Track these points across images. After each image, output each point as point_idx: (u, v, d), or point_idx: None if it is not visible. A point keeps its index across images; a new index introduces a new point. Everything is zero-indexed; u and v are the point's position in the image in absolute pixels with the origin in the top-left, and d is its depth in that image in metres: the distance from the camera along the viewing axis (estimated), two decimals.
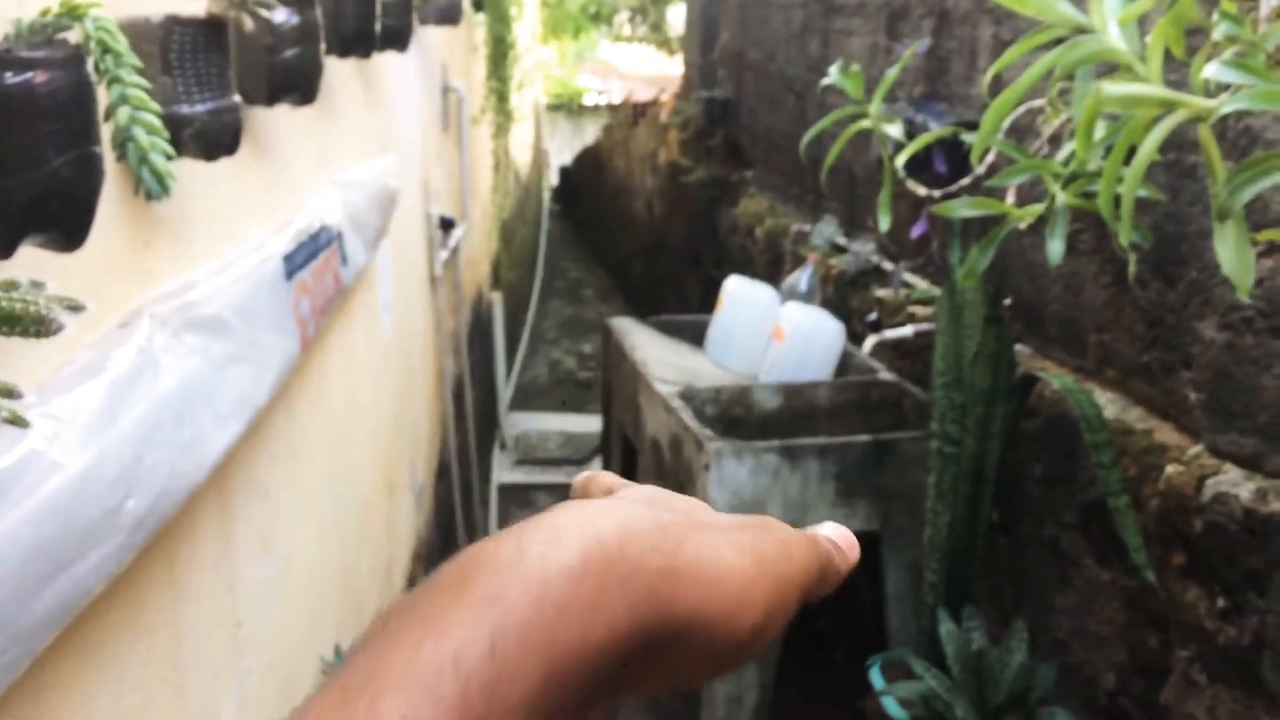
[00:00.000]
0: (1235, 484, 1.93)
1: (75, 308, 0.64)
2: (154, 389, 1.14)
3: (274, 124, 1.73)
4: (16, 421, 0.65)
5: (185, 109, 1.22)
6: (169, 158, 0.97)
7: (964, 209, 2.23)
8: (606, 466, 3.69)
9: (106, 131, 1.00)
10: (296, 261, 1.68)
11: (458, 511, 3.54)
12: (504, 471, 4.57)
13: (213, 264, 1.42)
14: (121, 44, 0.93)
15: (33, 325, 0.62)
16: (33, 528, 0.88)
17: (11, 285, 0.63)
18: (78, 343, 1.06)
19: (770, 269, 4.41)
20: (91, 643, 1.10)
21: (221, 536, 1.50)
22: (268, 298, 1.53)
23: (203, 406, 1.25)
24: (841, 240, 3.69)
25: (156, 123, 0.96)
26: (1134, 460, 2.15)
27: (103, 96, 1.02)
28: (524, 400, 5.90)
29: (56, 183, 0.89)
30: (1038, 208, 2.12)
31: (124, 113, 0.93)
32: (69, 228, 0.89)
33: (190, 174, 1.32)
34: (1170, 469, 2.07)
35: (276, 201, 1.75)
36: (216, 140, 1.24)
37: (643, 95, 7.89)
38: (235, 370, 1.37)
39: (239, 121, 1.31)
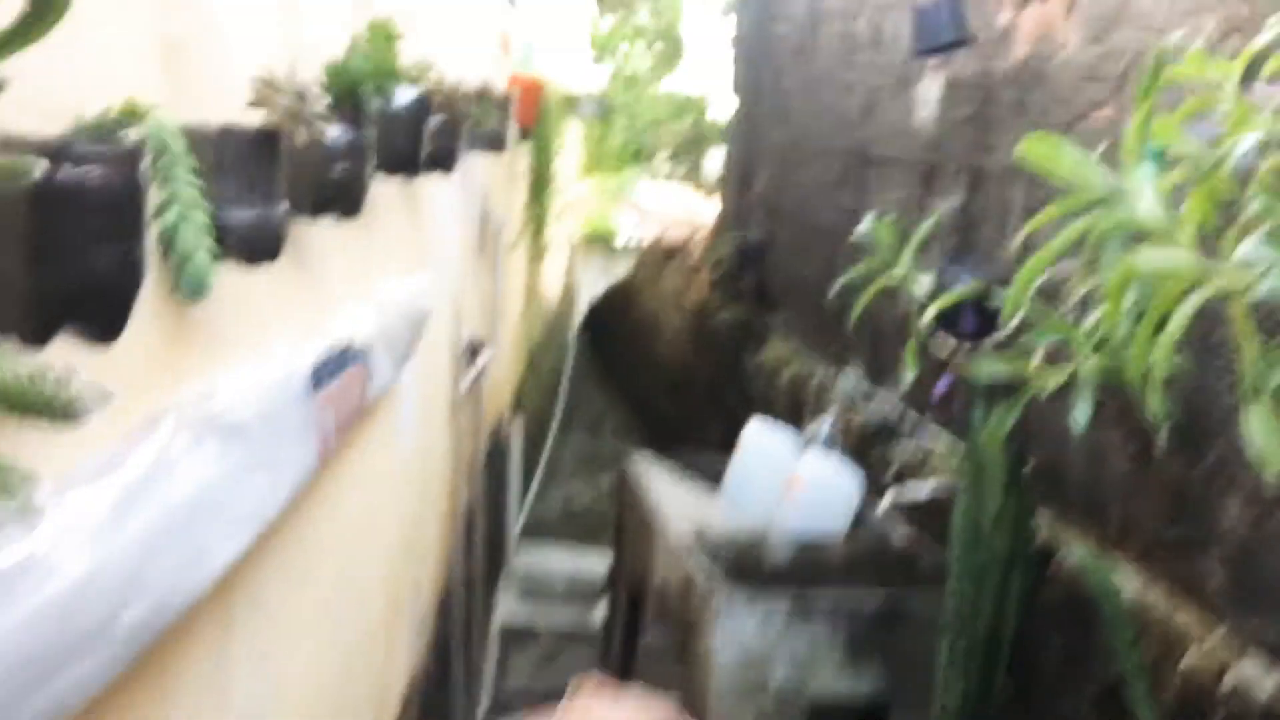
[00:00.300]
0: (1255, 679, 1.86)
1: (104, 397, 0.64)
2: (167, 494, 1.13)
3: (315, 236, 1.76)
4: (27, 510, 0.64)
5: (233, 214, 1.25)
6: (215, 258, 0.98)
7: (989, 368, 2.23)
8: (611, 612, 3.62)
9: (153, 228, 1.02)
10: (324, 374, 1.69)
11: (457, 645, 3.47)
12: (509, 604, 4.50)
13: (240, 370, 1.43)
14: (179, 145, 0.95)
15: (61, 410, 0.61)
16: (25, 634, 0.85)
17: (42, 373, 0.63)
18: (97, 439, 1.06)
19: (791, 413, 4.40)
20: None
21: (218, 652, 1.47)
22: (292, 408, 1.53)
23: (214, 516, 1.24)
24: (864, 392, 3.69)
25: (204, 224, 0.97)
26: (1155, 640, 2.09)
27: (154, 196, 1.04)
28: (536, 531, 5.84)
29: (98, 278, 0.90)
30: (1063, 372, 2.12)
31: (173, 212, 0.95)
32: (106, 321, 0.89)
33: (227, 279, 1.34)
34: (1191, 656, 2.01)
35: (309, 313, 1.77)
36: (260, 247, 1.26)
37: (676, 234, 8.02)
38: (251, 480, 1.36)
39: (283, 231, 1.34)
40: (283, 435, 1.48)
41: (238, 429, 1.32)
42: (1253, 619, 1.92)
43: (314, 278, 1.80)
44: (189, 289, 1.00)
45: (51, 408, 0.62)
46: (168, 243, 0.99)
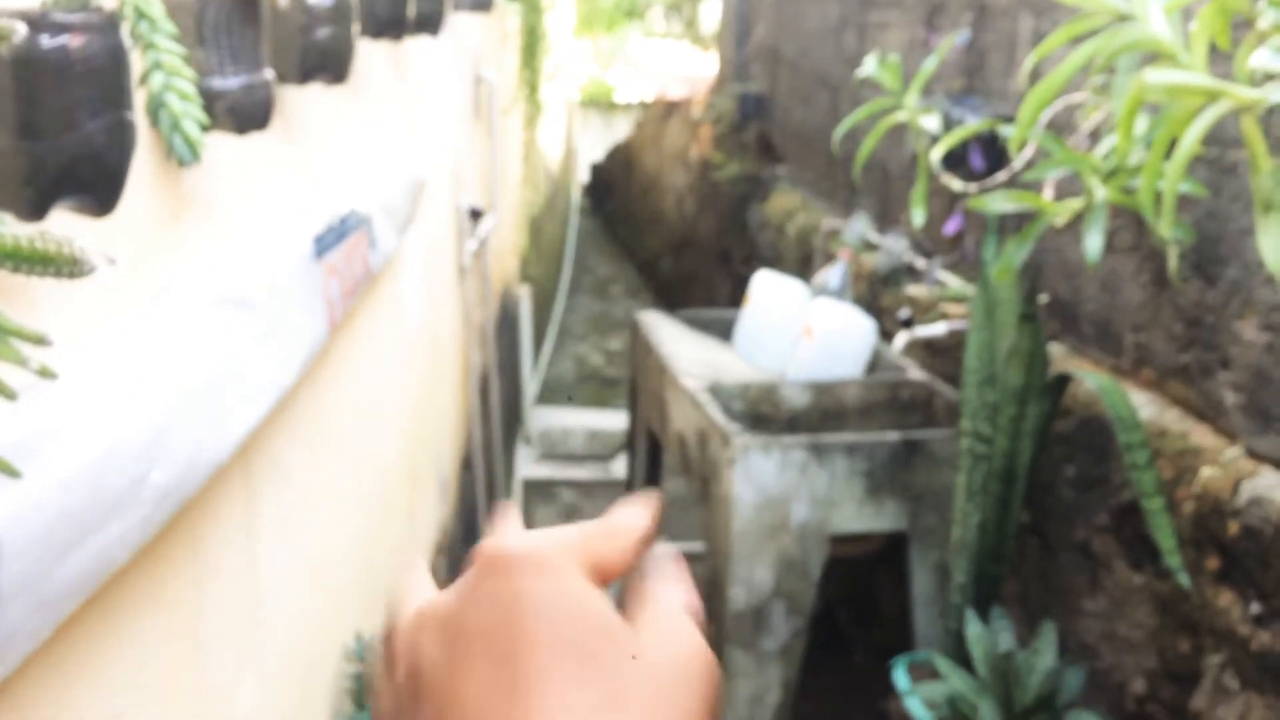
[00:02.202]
0: (1273, 487, 1.89)
1: (108, 258, 0.63)
2: (182, 363, 1.13)
3: (306, 104, 1.72)
4: (45, 374, 0.64)
5: (218, 83, 1.22)
6: (202, 126, 0.96)
7: (1000, 203, 2.20)
8: (631, 462, 3.68)
9: (140, 98, 0.99)
10: (326, 243, 1.67)
11: (481, 505, 3.54)
12: (528, 467, 4.56)
13: (243, 241, 1.41)
14: (157, 10, 0.92)
15: (66, 266, 0.61)
16: (59, 494, 0.87)
17: (44, 234, 0.62)
18: (107, 311, 1.06)
19: (801, 266, 4.39)
20: (113, 615, 1.09)
21: (245, 516, 1.50)
22: (297, 278, 1.53)
23: (229, 384, 1.25)
24: (874, 237, 3.66)
25: (190, 89, 0.95)
26: (1169, 462, 2.12)
27: (137, 64, 1.01)
28: (550, 396, 5.90)
29: (89, 147, 0.88)
30: (1076, 203, 2.09)
31: (158, 79, 0.92)
32: (101, 193, 0.88)
33: (222, 149, 1.31)
34: (1206, 471, 2.03)
35: (307, 182, 1.75)
36: (249, 115, 1.23)
37: (675, 92, 7.87)
38: (262, 349, 1.37)
39: (271, 97, 1.31)
40: (290, 304, 1.48)
41: (244, 299, 1.31)
42: (1268, 436, 1.94)
43: (307, 146, 1.77)
44: (181, 155, 0.98)
45: (57, 263, 0.61)
46: (155, 110, 0.97)
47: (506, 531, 0.39)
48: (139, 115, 1.02)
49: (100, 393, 0.96)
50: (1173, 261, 1.88)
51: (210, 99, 1.20)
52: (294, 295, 1.50)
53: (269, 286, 1.40)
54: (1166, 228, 1.75)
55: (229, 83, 1.24)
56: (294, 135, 1.67)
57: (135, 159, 0.97)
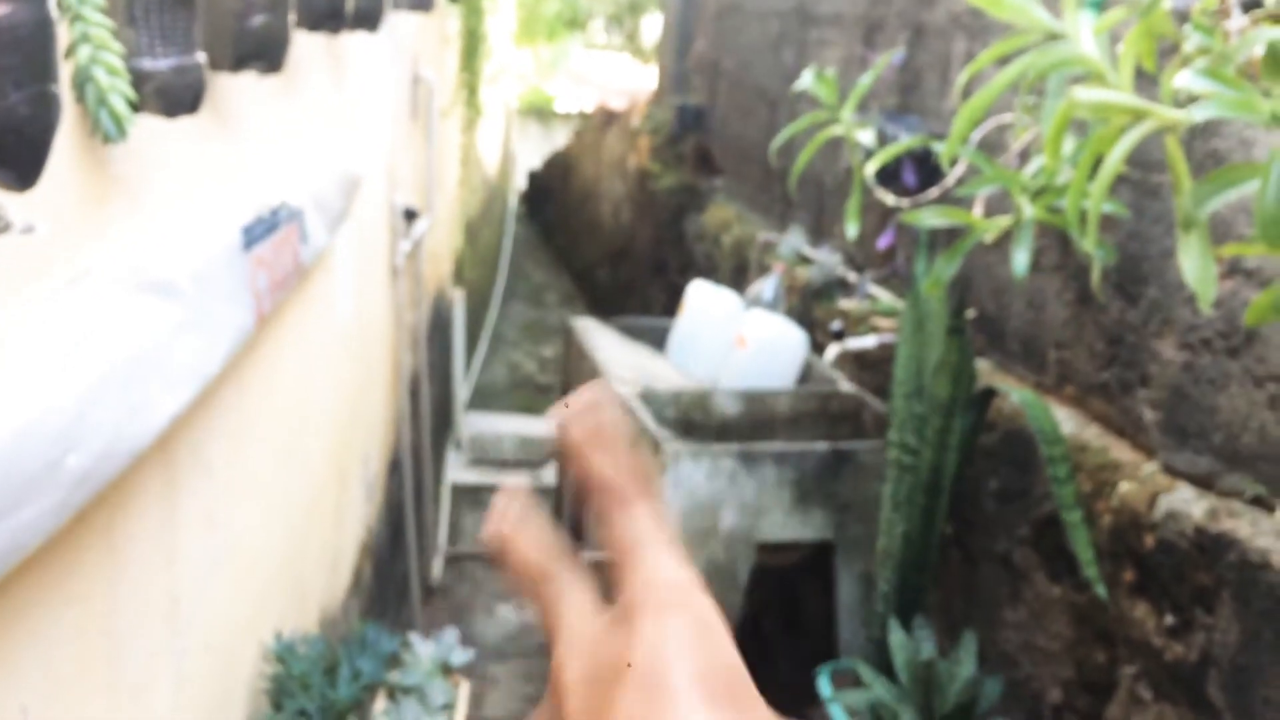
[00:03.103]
0: (1188, 502, 1.94)
1: (26, 227, 0.61)
2: (101, 347, 1.10)
3: (238, 92, 1.70)
4: None
5: (148, 63, 1.19)
6: (130, 103, 0.94)
7: (931, 219, 2.23)
8: (560, 471, 3.66)
9: (66, 72, 0.97)
10: (255, 234, 1.65)
11: (409, 508, 3.50)
12: (458, 471, 4.53)
13: (169, 228, 1.38)
14: None
15: None
16: None
17: None
18: (22, 292, 1.03)
19: (736, 277, 4.41)
20: (21, 605, 1.06)
21: (164, 509, 1.46)
22: (223, 267, 1.50)
23: (151, 371, 1.22)
24: (808, 250, 3.69)
25: (117, 64, 0.93)
26: (1089, 476, 2.16)
27: (64, 36, 0.99)
28: (481, 402, 5.86)
29: (11, 119, 0.86)
30: (1005, 220, 2.13)
31: (84, 52, 0.90)
32: (22, 166, 0.85)
33: (150, 132, 1.29)
34: (1124, 486, 2.08)
35: (237, 171, 1.72)
36: (178, 98, 1.21)
37: (615, 103, 7.89)
38: (186, 338, 1.34)
39: (202, 81, 1.28)
40: (216, 294, 1.45)
41: (168, 285, 1.29)
42: (1184, 453, 1.99)
43: (240, 136, 1.74)
44: (107, 130, 0.96)
45: None
46: (82, 83, 0.94)
47: (662, 563, 0.42)
48: (65, 90, 1.00)
49: (12, 373, 0.93)
50: (1095, 277, 1.92)
51: (139, 79, 1.17)
52: (220, 285, 1.47)
53: (194, 274, 1.38)
54: (1090, 244, 1.79)
55: (159, 64, 1.21)
56: (225, 123, 1.64)
57: (60, 135, 0.95)
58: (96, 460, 1.05)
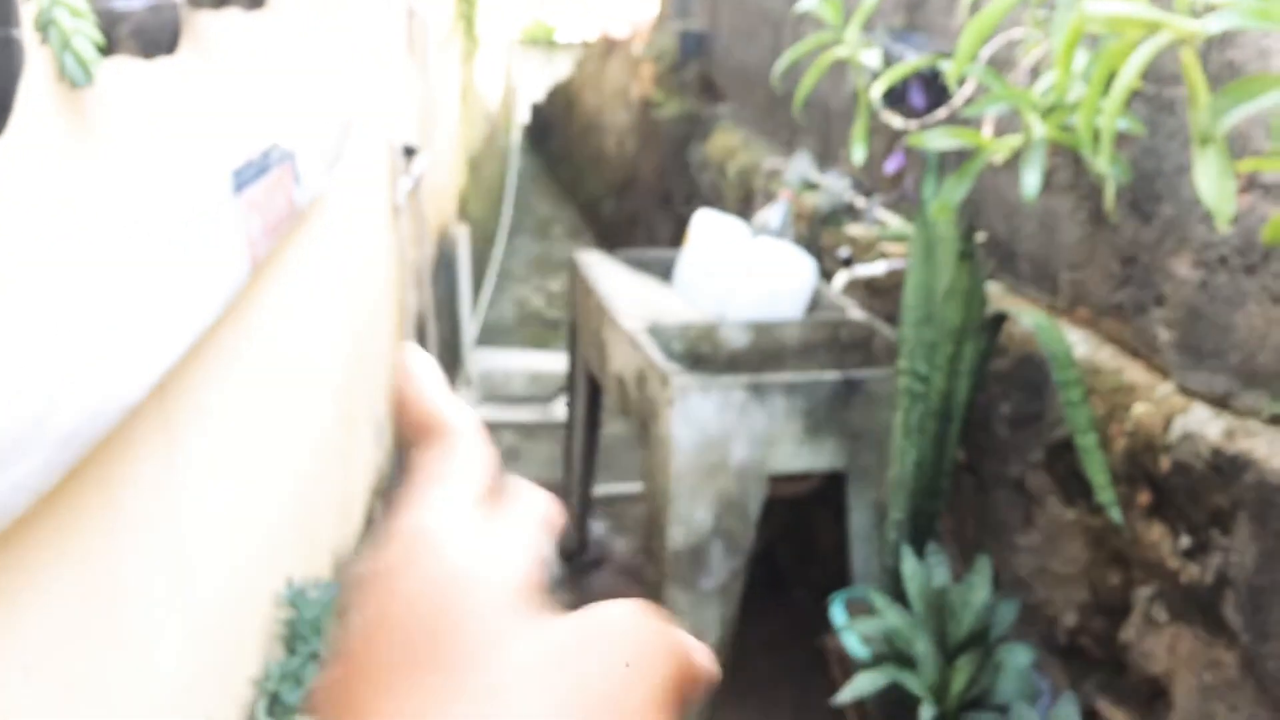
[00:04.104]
0: (1203, 423, 1.91)
1: None
2: (87, 299, 1.07)
3: (222, 30, 1.65)
4: None
5: (120, 4, 1.15)
6: (99, 48, 0.90)
7: (939, 140, 2.18)
8: (571, 405, 3.65)
9: (29, 16, 0.93)
10: (245, 177, 1.61)
11: None
12: (470, 407, 4.52)
13: (153, 173, 1.35)
14: None
15: None
16: None
17: None
18: (5, 249, 1.00)
19: (742, 205, 4.35)
20: (19, 566, 1.04)
21: (164, 461, 1.45)
22: (213, 212, 1.47)
23: (140, 322, 1.19)
24: (815, 176, 3.63)
25: (80, 6, 0.88)
26: (1103, 399, 2.13)
27: None
28: (490, 338, 5.84)
29: None
30: (1015, 140, 2.08)
31: None
32: None
33: (128, 75, 1.25)
34: (1139, 408, 2.05)
35: (225, 113, 1.67)
36: (155, 38, 1.17)
37: (617, 30, 7.75)
38: (176, 286, 1.31)
39: (178, 20, 1.24)
40: (206, 240, 1.42)
41: (155, 233, 1.25)
42: (1200, 372, 1.96)
43: (225, 76, 1.70)
44: (73, 76, 0.92)
45: None
46: (45, 26, 0.90)
47: (419, 512, 0.34)
48: (30, 35, 0.96)
49: None
50: (1109, 197, 1.87)
51: (112, 20, 1.13)
52: (210, 231, 1.44)
53: (181, 221, 1.34)
54: (1104, 163, 1.74)
55: (132, 4, 1.17)
56: (209, 63, 1.60)
57: (29, 82, 0.91)
58: (86, 417, 1.03)
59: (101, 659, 1.26)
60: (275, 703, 1.91)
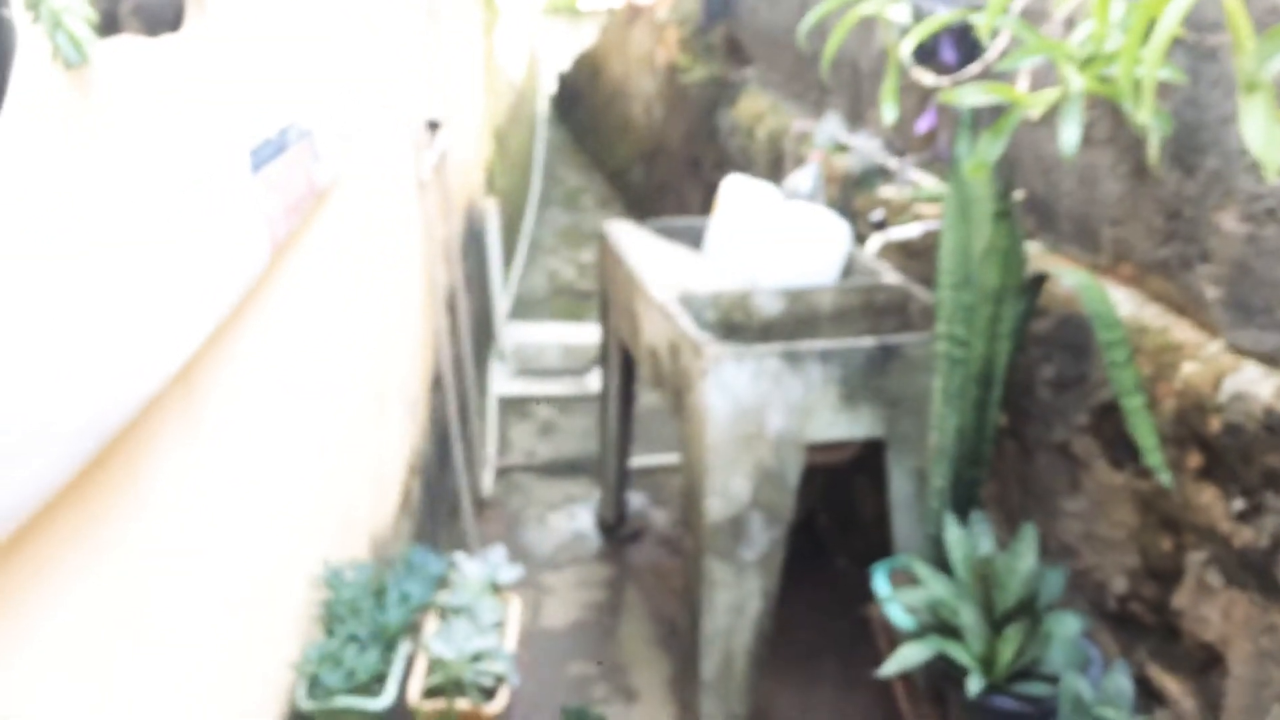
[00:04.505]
0: (1254, 381, 1.84)
1: None
2: (102, 285, 1.05)
3: (231, 4, 1.61)
4: None
5: None
6: (93, 25, 0.87)
7: (973, 96, 2.12)
8: (605, 377, 3.62)
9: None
10: (263, 156, 1.58)
11: (454, 424, 3.48)
12: (503, 383, 4.50)
13: (167, 155, 1.32)
14: None
15: None
16: None
17: None
18: (18, 236, 0.97)
19: (772, 170, 4.29)
20: (43, 561, 1.03)
21: (190, 446, 1.43)
22: (230, 192, 1.44)
23: (158, 309, 1.16)
24: (845, 138, 3.56)
25: None
26: (1149, 359, 2.07)
27: None
28: (522, 311, 5.81)
29: None
30: (1051, 93, 2.01)
31: None
32: None
33: (132, 54, 1.21)
34: (1187, 367, 1.98)
35: (237, 90, 1.64)
36: (158, 15, 1.14)
37: None
38: (195, 269, 1.28)
39: None
40: (224, 220, 1.39)
41: (171, 215, 1.23)
42: (1249, 330, 1.89)
43: (237, 51, 1.66)
44: (66, 55, 0.89)
45: None
46: (35, 5, 0.87)
47: None
48: (21, 16, 0.93)
49: (4, 322, 0.88)
50: (1153, 151, 1.80)
51: None
52: (227, 211, 1.41)
53: (198, 203, 1.32)
54: (1146, 115, 1.68)
55: None
56: (219, 38, 1.56)
57: (25, 64, 0.88)
58: (104, 408, 1.00)
59: (135, 648, 1.24)
60: (315, 685, 1.90)
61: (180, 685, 1.38)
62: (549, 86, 11.19)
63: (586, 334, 4.52)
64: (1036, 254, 2.50)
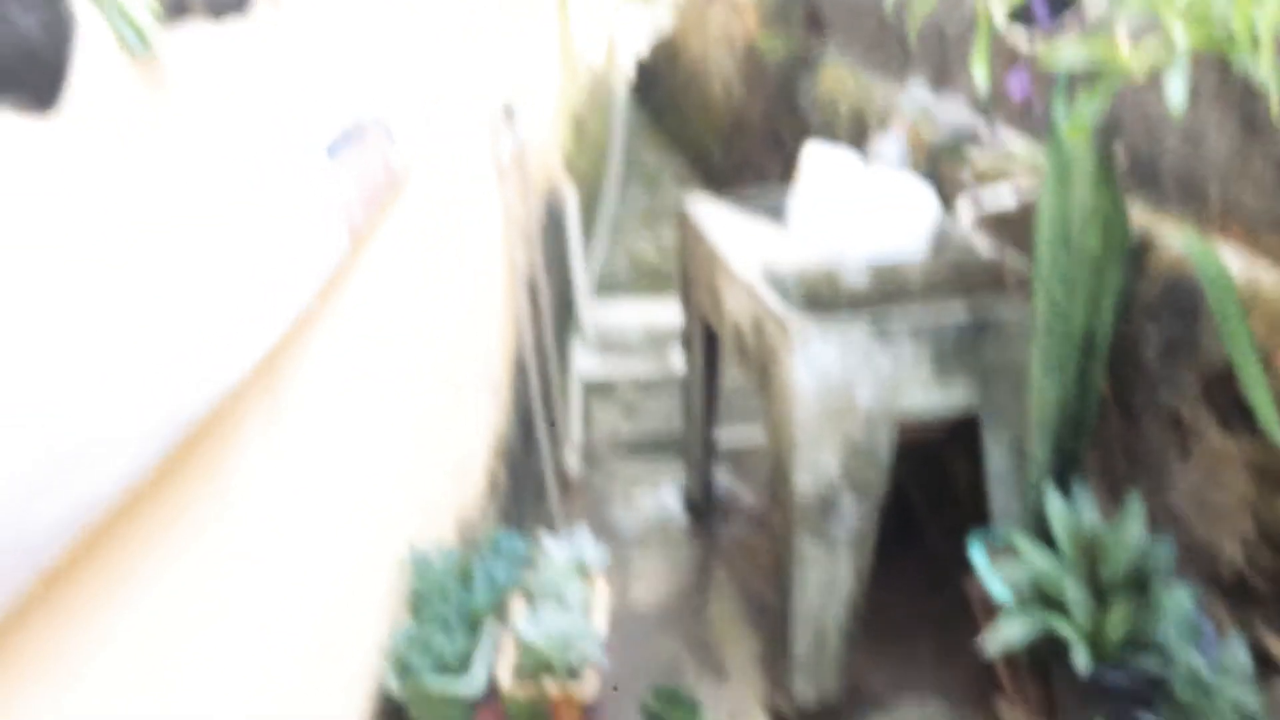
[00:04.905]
0: None
1: None
2: (182, 282, 1.03)
3: None
4: None
5: None
6: (154, 13, 0.85)
7: (1071, 54, 2.02)
8: (689, 355, 3.58)
9: None
10: (339, 143, 1.56)
11: (537, 406, 3.47)
12: (585, 364, 4.48)
13: (239, 144, 1.30)
14: None
15: None
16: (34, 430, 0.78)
17: None
18: (95, 230, 0.96)
19: (856, 142, 4.19)
20: (127, 554, 1.02)
21: (270, 438, 1.42)
22: (307, 181, 1.42)
23: (239, 301, 1.15)
24: (931, 103, 3.46)
25: None
26: (1263, 320, 1.96)
27: None
28: (604, 293, 5.79)
29: (19, 37, 0.77)
30: (1153, 49, 1.91)
31: None
32: (38, 86, 0.77)
33: (200, 40, 1.20)
34: None
35: (312, 76, 1.62)
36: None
37: None
38: (275, 259, 1.27)
39: None
40: (300, 211, 1.37)
41: (245, 206, 1.21)
42: None
43: (309, 36, 1.65)
44: (129, 42, 0.87)
45: None
46: None
47: None
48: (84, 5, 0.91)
49: (87, 313, 0.87)
50: (1275, 104, 1.69)
51: None
52: (304, 201, 1.40)
53: (272, 192, 1.30)
54: (1264, 69, 1.58)
55: None
56: (290, 23, 1.55)
57: (89, 52, 0.86)
58: (185, 402, 0.99)
59: (222, 638, 1.24)
60: (404, 669, 1.90)
61: (270, 672, 1.38)
62: (627, 69, 11.14)
63: (669, 312, 4.48)
64: (1138, 215, 2.39)
